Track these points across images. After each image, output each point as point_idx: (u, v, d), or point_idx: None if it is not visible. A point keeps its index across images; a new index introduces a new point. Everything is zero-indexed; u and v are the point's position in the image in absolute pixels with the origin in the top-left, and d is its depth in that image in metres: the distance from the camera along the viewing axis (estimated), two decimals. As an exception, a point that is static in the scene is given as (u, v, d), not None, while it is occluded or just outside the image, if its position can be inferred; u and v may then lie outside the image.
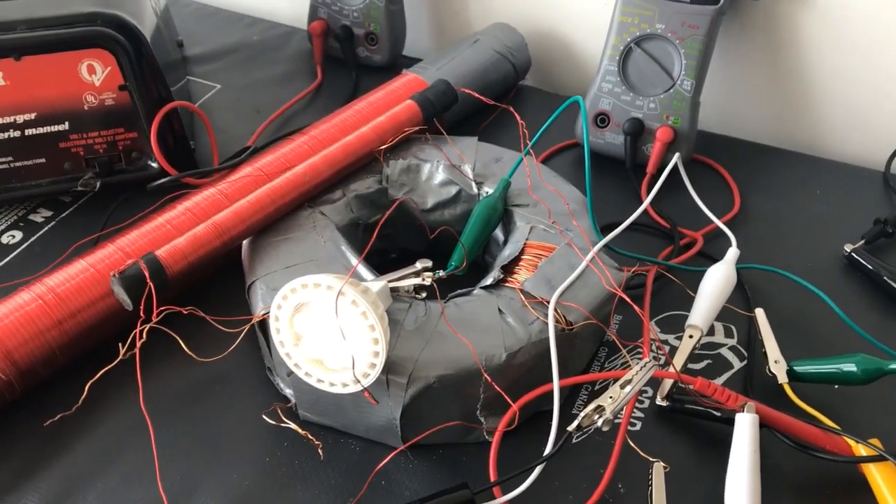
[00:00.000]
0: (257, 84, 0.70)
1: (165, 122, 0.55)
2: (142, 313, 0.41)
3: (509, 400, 0.41)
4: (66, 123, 0.54)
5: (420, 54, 0.72)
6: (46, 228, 0.56)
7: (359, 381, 0.39)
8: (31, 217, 0.56)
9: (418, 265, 0.44)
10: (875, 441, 0.41)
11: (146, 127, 0.55)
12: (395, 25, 0.70)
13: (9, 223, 0.56)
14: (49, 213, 0.57)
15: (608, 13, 0.61)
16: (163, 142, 0.55)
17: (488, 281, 0.45)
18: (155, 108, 0.55)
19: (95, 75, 0.53)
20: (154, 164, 0.57)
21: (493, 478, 0.41)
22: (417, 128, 0.53)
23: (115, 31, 0.52)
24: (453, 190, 0.51)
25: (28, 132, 0.54)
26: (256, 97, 0.68)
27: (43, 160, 0.55)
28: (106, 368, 0.42)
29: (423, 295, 0.43)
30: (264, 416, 0.43)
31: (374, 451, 0.43)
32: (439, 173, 0.51)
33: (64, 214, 0.57)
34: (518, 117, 0.53)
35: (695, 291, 0.49)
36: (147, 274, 0.41)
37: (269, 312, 0.41)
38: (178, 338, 0.42)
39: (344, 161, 0.50)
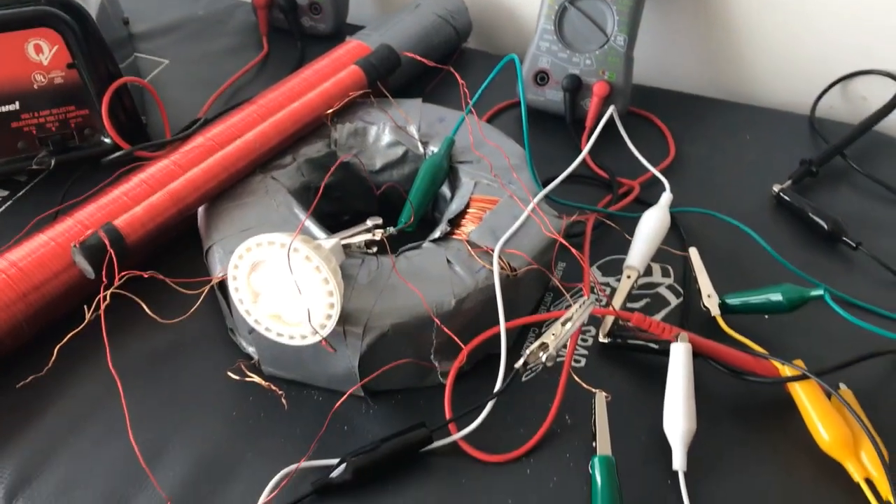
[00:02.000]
0: (205, 58, 0.71)
1: (116, 98, 0.56)
2: (104, 279, 0.43)
3: (460, 342, 0.43)
4: (17, 103, 0.55)
5: (364, 22, 0.74)
6: (3, 207, 0.56)
7: (317, 332, 0.41)
8: (-13, 197, 0.57)
9: (369, 223, 0.47)
10: (798, 362, 0.45)
11: (97, 103, 0.56)
12: (339, -7, 0.72)
13: (-35, 204, 0.57)
14: (5, 193, 0.58)
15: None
16: (114, 117, 0.57)
17: (436, 234, 0.47)
18: (105, 85, 0.56)
19: (43, 54, 0.54)
20: (107, 140, 0.58)
21: (448, 416, 0.44)
22: (362, 91, 0.55)
23: (60, 10, 0.53)
24: (400, 151, 0.53)
25: (-22, 113, 0.55)
26: (204, 71, 0.69)
27: (-5, 140, 0.56)
28: (73, 332, 0.43)
29: (374, 250, 0.46)
30: (229, 373, 0.46)
31: (336, 399, 0.45)
32: (386, 135, 0.54)
33: (20, 193, 0.58)
34: (459, 77, 0.55)
35: (632, 236, 0.52)
36: (107, 242, 0.43)
37: (226, 274, 0.43)
38: (140, 302, 0.43)
39: (292, 127, 0.52)
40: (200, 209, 0.49)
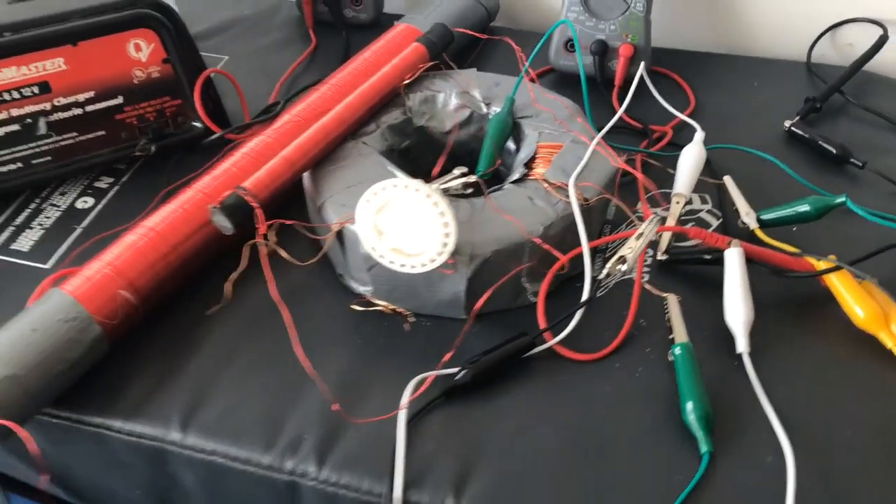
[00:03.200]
0: (258, 52, 0.78)
1: (204, 87, 0.63)
2: (260, 228, 0.50)
3: (558, 254, 0.51)
4: (120, 98, 0.62)
5: (396, 10, 0.82)
6: (112, 192, 0.63)
7: (435, 260, 0.48)
8: (96, 184, 0.64)
9: (456, 171, 0.54)
10: (832, 257, 0.53)
11: (189, 93, 0.63)
12: (377, -15, 0.79)
13: (79, 191, 0.63)
14: (111, 180, 0.64)
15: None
16: (204, 105, 0.63)
17: (515, 177, 0.55)
18: (194, 76, 0.63)
19: (141, 52, 0.61)
20: (198, 125, 0.65)
21: (542, 325, 0.52)
22: (430, 63, 0.63)
23: (156, 12, 0.60)
24: (466, 113, 0.61)
25: (88, 108, 0.61)
26: (261, 63, 0.76)
27: (103, 132, 0.63)
28: (237, 272, 0.52)
29: (470, 191, 0.53)
30: (354, 307, 0.53)
31: (442, 324, 0.53)
32: (452, 99, 0.61)
33: (124, 178, 0.64)
34: (513, 44, 0.63)
35: (674, 171, 0.60)
36: (249, 199, 0.50)
37: (344, 221, 0.50)
38: (280, 250, 0.51)
39: (373, 99, 0.60)
40: (305, 174, 0.57)
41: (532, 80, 0.64)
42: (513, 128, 0.59)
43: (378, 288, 0.53)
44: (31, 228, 0.60)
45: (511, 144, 0.60)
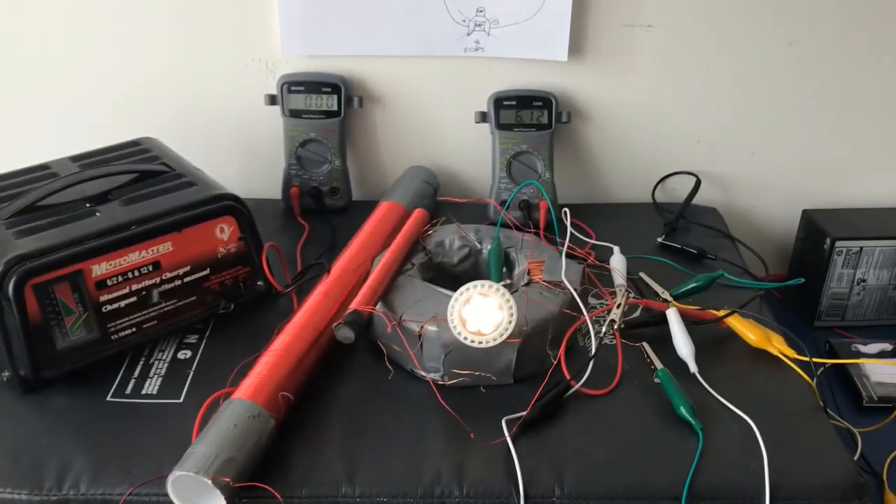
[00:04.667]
0: (267, 236, 0.98)
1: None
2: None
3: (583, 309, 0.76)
4: (208, 269, 0.80)
5: (360, 197, 1.07)
6: (203, 344, 0.80)
7: (502, 335, 0.71)
8: (186, 340, 0.80)
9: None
10: (724, 310, 0.83)
11: (256, 261, 0.83)
12: (347, 180, 1.04)
13: (174, 347, 0.79)
14: (196, 336, 0.81)
15: (488, 145, 1.02)
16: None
17: (523, 282, 0.80)
18: (259, 249, 0.83)
19: (224, 233, 0.81)
20: (261, 284, 0.84)
21: (567, 376, 0.75)
22: (434, 222, 0.88)
23: (235, 203, 0.81)
24: (466, 250, 0.86)
25: (186, 279, 0.79)
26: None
27: (194, 297, 0.80)
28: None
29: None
30: (440, 382, 0.74)
31: (495, 391, 0.75)
32: (455, 241, 0.86)
33: (207, 333, 0.81)
34: (500, 207, 0.90)
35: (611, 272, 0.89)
36: (365, 315, 0.71)
37: (423, 326, 0.72)
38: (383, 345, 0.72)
39: (404, 250, 0.83)
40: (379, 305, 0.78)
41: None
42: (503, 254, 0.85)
43: (447, 371, 0.74)
44: (150, 378, 0.75)
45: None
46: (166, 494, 0.62)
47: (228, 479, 0.60)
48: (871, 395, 0.90)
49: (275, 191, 1.06)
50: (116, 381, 0.75)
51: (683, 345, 0.78)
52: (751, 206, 1.14)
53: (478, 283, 0.71)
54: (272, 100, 1.03)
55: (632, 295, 0.85)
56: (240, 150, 1.10)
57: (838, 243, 1.00)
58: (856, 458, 0.81)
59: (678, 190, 1.12)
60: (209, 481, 0.60)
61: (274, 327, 0.76)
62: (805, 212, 1.07)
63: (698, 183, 1.09)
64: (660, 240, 0.99)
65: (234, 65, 1.05)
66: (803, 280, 0.90)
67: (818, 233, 1.03)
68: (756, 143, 1.10)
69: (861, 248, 1.00)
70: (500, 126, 1.02)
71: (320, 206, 1.03)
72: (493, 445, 0.68)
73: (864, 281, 1.02)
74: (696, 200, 1.09)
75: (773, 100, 1.07)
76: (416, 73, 1.06)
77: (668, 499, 0.65)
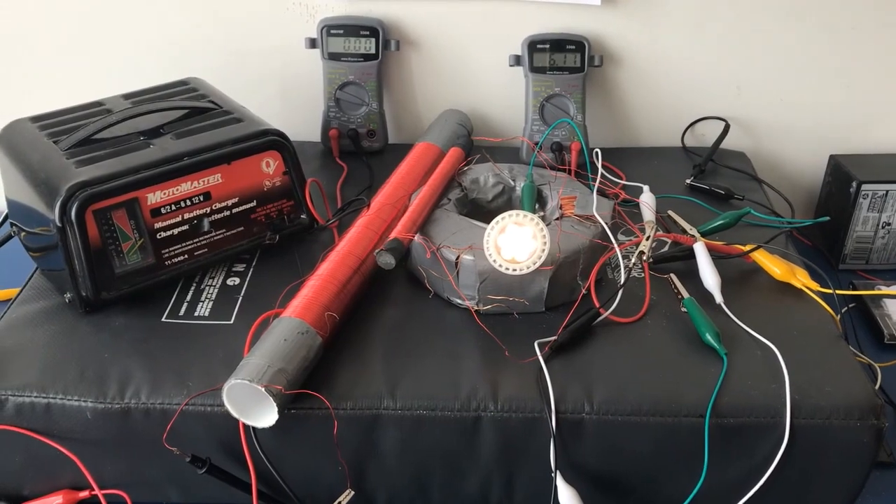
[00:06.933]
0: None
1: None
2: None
3: (614, 242, 0.79)
4: (255, 201, 0.84)
5: (395, 140, 1.10)
6: (251, 272, 0.84)
7: (536, 263, 0.75)
8: (234, 268, 0.84)
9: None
10: (750, 245, 0.85)
11: (300, 195, 0.87)
12: (384, 122, 1.08)
13: (223, 274, 0.83)
14: (244, 265, 0.85)
15: (521, 89, 1.04)
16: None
17: (555, 216, 0.83)
18: (302, 184, 0.87)
19: (270, 167, 0.84)
20: (304, 217, 0.88)
21: (596, 304, 0.78)
22: (476, 157, 0.91)
23: (280, 138, 0.84)
24: (500, 187, 0.90)
25: (234, 210, 0.83)
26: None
27: (242, 228, 0.84)
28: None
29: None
30: (477, 308, 0.77)
31: (528, 319, 0.78)
32: (490, 179, 0.90)
33: (254, 262, 0.85)
34: (533, 146, 0.93)
35: (638, 211, 0.92)
36: (406, 241, 0.75)
37: (459, 255, 0.76)
38: (423, 270, 0.75)
39: (445, 180, 0.87)
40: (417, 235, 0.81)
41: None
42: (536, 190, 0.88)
43: (482, 297, 0.78)
44: (201, 302, 0.80)
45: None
46: (221, 405, 0.67)
47: (280, 388, 0.65)
48: (893, 333, 0.93)
49: (314, 133, 1.10)
50: (170, 304, 0.79)
51: (710, 276, 0.81)
52: (779, 152, 1.16)
53: (513, 212, 0.75)
54: (312, 43, 1.06)
55: (660, 230, 0.88)
56: (280, 93, 1.13)
57: (864, 186, 1.02)
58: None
59: (707, 136, 1.14)
60: (262, 389, 0.64)
61: (317, 259, 0.80)
62: (832, 157, 1.09)
63: (727, 127, 1.11)
64: (688, 181, 1.02)
65: (275, 9, 1.08)
66: (828, 218, 0.93)
67: (844, 176, 1.05)
68: (785, 89, 1.12)
69: (887, 191, 1.02)
70: (534, 69, 1.05)
71: (358, 147, 1.07)
72: (526, 364, 0.72)
73: (889, 224, 1.04)
74: (725, 145, 1.11)
75: (804, 45, 1.08)
76: (452, 17, 1.08)
77: (692, 416, 0.69)
